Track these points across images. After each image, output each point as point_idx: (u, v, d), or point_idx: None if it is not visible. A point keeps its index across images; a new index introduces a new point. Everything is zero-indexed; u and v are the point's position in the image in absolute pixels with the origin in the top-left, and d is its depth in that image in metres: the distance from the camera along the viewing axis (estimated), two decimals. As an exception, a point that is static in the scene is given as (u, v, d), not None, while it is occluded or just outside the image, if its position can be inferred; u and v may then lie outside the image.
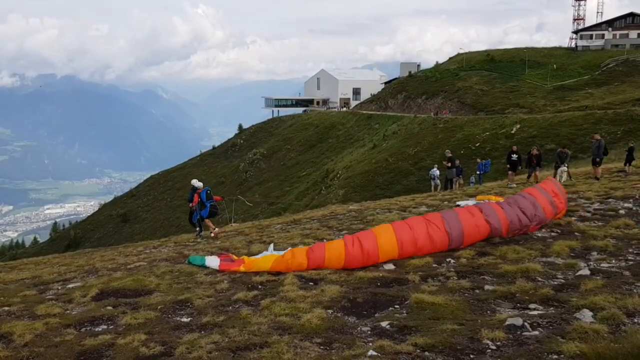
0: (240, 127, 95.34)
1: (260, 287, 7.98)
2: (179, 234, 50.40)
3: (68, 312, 7.39)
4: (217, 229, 15.67)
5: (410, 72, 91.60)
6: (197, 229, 15.83)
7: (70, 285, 9.25)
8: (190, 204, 15.50)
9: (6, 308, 7.77)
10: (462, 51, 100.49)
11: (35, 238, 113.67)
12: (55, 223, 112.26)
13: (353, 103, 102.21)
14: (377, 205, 17.80)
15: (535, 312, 5.93)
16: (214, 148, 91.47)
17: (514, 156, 23.25)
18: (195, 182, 15.83)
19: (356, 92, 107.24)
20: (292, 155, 68.98)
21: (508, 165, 23.69)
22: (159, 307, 7.20)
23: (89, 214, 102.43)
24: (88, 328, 6.58)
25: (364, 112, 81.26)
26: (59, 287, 9.30)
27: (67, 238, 76.39)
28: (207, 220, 15.53)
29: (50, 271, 12.11)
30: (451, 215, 9.87)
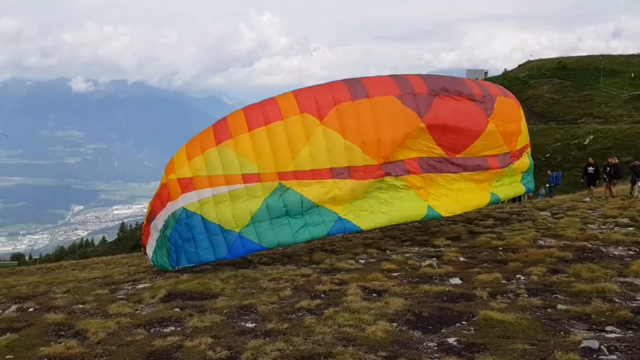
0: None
1: (323, 296, 7.96)
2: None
3: (138, 312, 7.63)
4: None
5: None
6: None
7: (140, 286, 9.55)
8: None
9: (80, 306, 8.10)
10: (532, 58, 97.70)
11: (104, 237, 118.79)
12: (123, 223, 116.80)
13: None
14: (442, 216, 17.49)
15: (612, 335, 5.63)
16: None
17: (591, 169, 21.81)
18: None
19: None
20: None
21: (583, 180, 22.49)
22: (224, 311, 7.31)
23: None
24: (157, 329, 6.76)
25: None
26: (129, 287, 9.63)
27: (134, 238, 79.15)
28: None
29: (120, 271, 12.55)
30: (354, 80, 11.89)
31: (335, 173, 11.00)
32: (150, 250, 11.09)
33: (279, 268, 10.35)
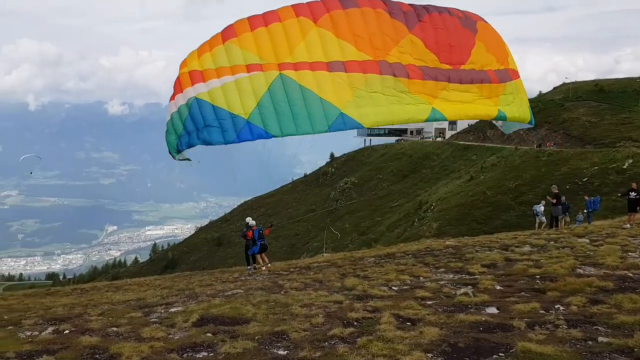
0: (331, 155, 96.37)
1: (356, 323, 7.84)
2: (268, 259, 51.18)
3: (171, 336, 7.63)
4: (269, 265, 17.77)
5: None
6: (250, 267, 18.06)
7: (173, 310, 9.58)
8: (245, 238, 18.17)
9: (115, 329, 8.15)
10: (567, 80, 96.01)
11: (136, 258, 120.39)
12: (155, 244, 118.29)
13: (449, 133, 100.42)
14: (476, 242, 17.14)
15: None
16: (305, 176, 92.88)
17: (633, 194, 21.07)
18: (250, 220, 18.60)
19: (452, 121, 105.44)
20: (384, 185, 68.56)
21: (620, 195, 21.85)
22: (256, 337, 7.26)
23: (185, 237, 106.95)
24: (190, 354, 6.74)
25: (461, 142, 79.52)
26: (162, 311, 9.66)
27: (165, 259, 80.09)
28: (258, 256, 17.85)
29: (153, 294, 12.64)
30: None
31: (331, 66, 11.63)
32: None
33: (311, 294, 10.27)
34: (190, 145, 11.93)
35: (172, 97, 12.37)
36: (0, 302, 14.27)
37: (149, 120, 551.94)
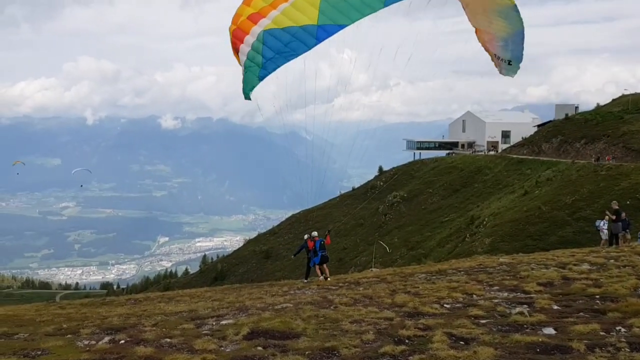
0: (380, 169, 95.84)
1: (407, 341, 7.71)
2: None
3: (222, 348, 7.69)
4: (329, 278, 18.48)
5: (567, 115, 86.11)
6: (306, 280, 18.95)
7: (224, 322, 9.67)
8: (307, 248, 19.12)
9: (168, 340, 8.28)
10: (627, 92, 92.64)
11: (186, 269, 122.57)
12: (205, 256, 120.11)
13: (502, 146, 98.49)
14: (531, 259, 16.61)
15: None
16: (353, 189, 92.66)
17: None
18: (314, 233, 19.44)
19: (505, 135, 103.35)
20: (434, 199, 67.58)
21: None
22: (306, 352, 7.23)
23: (234, 249, 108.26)
24: (241, 368, 6.77)
25: (514, 156, 77.72)
26: (213, 323, 9.77)
27: (215, 271, 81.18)
28: (317, 267, 18.82)
29: (204, 305, 12.81)
30: None
31: None
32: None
33: (361, 310, 10.18)
34: (276, 67, 12.26)
35: (239, 43, 12.68)
36: (59, 311, 14.77)
37: (200, 134, 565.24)
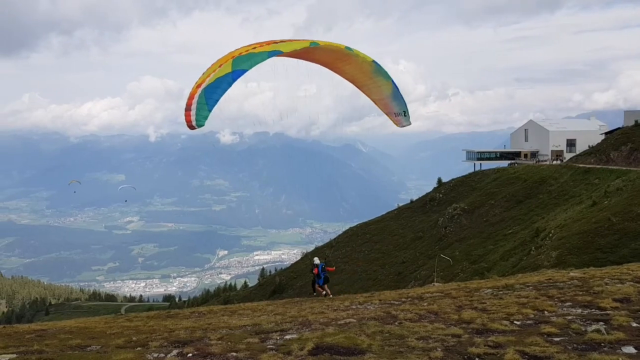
0: (439, 180, 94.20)
1: (477, 359, 7.44)
2: (375, 287, 50.60)
3: (288, 364, 7.66)
4: (330, 295, 22.37)
5: (636, 121, 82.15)
6: (315, 293, 23.23)
7: (288, 337, 9.65)
8: (313, 272, 23.21)
9: (234, 354, 8.33)
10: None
11: (245, 282, 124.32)
12: (263, 269, 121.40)
13: (567, 155, 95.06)
14: (604, 273, 15.79)
15: None
16: (411, 202, 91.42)
17: None
18: (316, 260, 23.93)
19: (570, 143, 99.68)
20: (497, 211, 65.61)
21: None
22: (373, 369, 7.10)
23: (292, 262, 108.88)
24: (308, 384, 6.70)
25: (581, 165, 74.61)
26: (278, 337, 9.76)
27: (273, 284, 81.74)
28: (319, 287, 22.83)
29: (267, 320, 12.85)
30: None
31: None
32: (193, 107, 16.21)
33: (427, 326, 9.93)
34: (217, 99, 16.21)
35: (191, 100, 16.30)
36: (127, 324, 15.18)
37: (257, 149, 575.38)
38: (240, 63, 16.22)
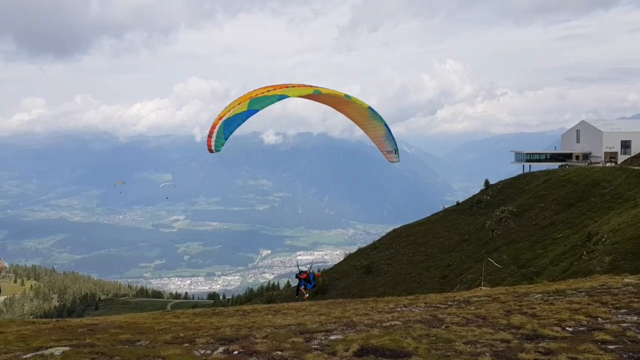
0: (486, 182, 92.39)
1: (528, 366, 7.23)
2: (420, 289, 50.01)
3: (333, 364, 7.63)
4: (307, 296, 25.39)
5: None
6: (297, 296, 25.13)
7: (332, 337, 9.61)
8: (301, 277, 25.62)
9: (279, 352, 8.36)
10: None
11: (288, 281, 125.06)
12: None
13: (621, 158, 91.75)
14: (661, 280, 15.17)
15: None
16: (457, 204, 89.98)
17: None
18: (302, 268, 26.65)
19: (625, 145, 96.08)
20: (547, 214, 63.78)
21: None
22: (419, 372, 6.99)
23: (334, 263, 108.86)
24: (353, 386, 6.65)
25: (636, 167, 71.83)
26: (322, 337, 9.74)
27: (316, 284, 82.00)
28: (304, 289, 25.40)
29: (311, 320, 12.86)
30: None
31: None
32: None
33: (474, 330, 9.72)
34: (233, 129, 18.62)
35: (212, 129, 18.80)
36: (174, 320, 15.46)
37: (300, 149, 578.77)
38: (255, 104, 18.55)
